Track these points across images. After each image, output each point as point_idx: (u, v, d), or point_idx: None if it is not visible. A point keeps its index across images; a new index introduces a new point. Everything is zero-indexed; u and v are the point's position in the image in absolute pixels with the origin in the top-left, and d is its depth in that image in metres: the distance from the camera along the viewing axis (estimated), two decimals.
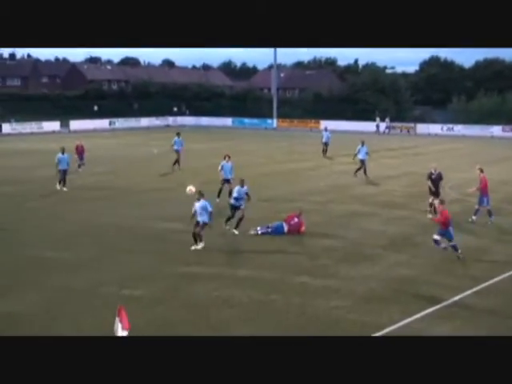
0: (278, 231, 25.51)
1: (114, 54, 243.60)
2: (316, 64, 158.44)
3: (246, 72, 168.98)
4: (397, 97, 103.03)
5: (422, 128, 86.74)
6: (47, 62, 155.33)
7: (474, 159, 51.46)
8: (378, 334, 15.27)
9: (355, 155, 42.15)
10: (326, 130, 57.27)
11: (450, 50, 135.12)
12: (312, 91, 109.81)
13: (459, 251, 22.08)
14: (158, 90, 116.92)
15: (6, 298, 17.73)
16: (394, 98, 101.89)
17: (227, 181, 31.71)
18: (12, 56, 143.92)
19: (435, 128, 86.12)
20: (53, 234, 25.43)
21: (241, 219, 25.17)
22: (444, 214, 22.27)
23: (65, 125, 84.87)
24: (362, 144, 41.88)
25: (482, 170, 28.38)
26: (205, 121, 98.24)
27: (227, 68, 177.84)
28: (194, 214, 22.96)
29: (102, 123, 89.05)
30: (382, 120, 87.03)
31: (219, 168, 31.92)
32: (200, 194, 23.00)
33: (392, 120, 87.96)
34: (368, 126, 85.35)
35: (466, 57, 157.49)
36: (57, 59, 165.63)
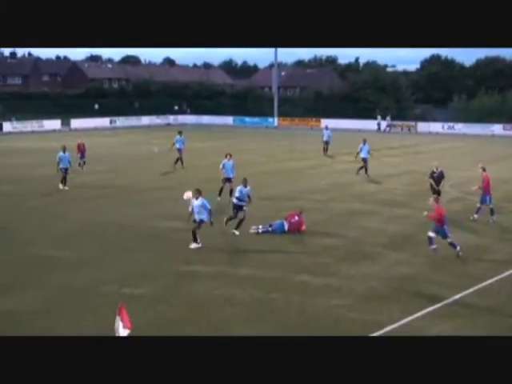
0: (278, 230, 25.52)
1: (115, 52, 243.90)
2: (317, 62, 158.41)
3: (247, 70, 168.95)
4: (397, 95, 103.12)
5: (422, 126, 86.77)
6: (48, 60, 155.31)
7: (475, 158, 51.49)
8: (378, 333, 15.28)
9: (357, 154, 42.17)
10: (326, 128, 57.30)
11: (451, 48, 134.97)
12: (313, 90, 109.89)
13: (458, 248, 22.05)
14: (158, 88, 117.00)
15: (6, 297, 17.74)
16: (394, 96, 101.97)
17: (228, 179, 31.73)
18: (13, 54, 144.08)
19: (436, 126, 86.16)
20: (53, 232, 25.45)
21: (242, 220, 25.14)
22: (439, 211, 22.24)
23: (66, 123, 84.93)
24: (364, 142, 41.91)
25: (484, 169, 28.40)
26: (206, 119, 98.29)
27: (228, 66, 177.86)
28: (192, 212, 22.96)
29: (103, 122, 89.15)
30: (383, 118, 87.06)
31: (220, 166, 31.94)
32: (198, 192, 22.97)
33: (393, 118, 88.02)
34: (369, 125, 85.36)
35: (466, 55, 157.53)
36: (58, 58, 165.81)
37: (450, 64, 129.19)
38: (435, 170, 29.88)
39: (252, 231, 25.21)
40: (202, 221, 22.85)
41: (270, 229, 25.49)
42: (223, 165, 31.80)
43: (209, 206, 22.96)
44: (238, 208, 25.39)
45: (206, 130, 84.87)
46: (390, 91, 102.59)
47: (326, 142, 55.26)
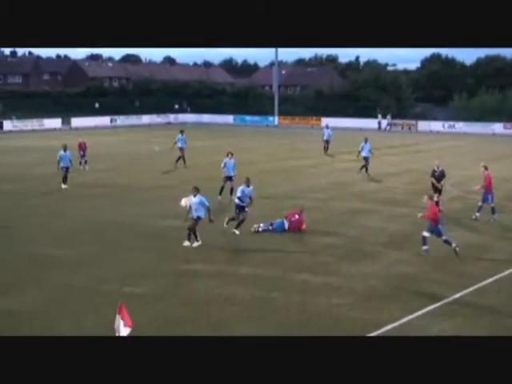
0: (278, 228, 25.52)
1: (115, 51, 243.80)
2: (317, 61, 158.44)
3: (247, 69, 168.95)
4: (398, 94, 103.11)
5: (423, 125, 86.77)
6: (48, 59, 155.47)
7: (476, 157, 51.50)
8: (378, 332, 15.27)
9: (359, 153, 42.15)
10: (327, 127, 57.29)
11: None
12: (313, 88, 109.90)
13: (453, 244, 21.99)
14: (159, 87, 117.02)
15: (7, 296, 17.73)
16: (395, 95, 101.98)
17: (229, 178, 31.77)
18: (13, 53, 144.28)
19: (436, 125, 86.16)
20: (54, 231, 25.44)
21: (242, 221, 25.07)
22: (433, 209, 22.19)
23: (66, 122, 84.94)
24: (366, 141, 41.92)
25: (486, 168, 28.42)
26: (206, 118, 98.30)
27: (228, 65, 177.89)
28: (190, 210, 22.93)
29: (104, 120, 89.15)
30: (384, 117, 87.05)
31: (222, 165, 31.99)
32: (196, 190, 22.93)
33: (393, 117, 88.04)
34: (369, 123, 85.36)
35: (467, 54, 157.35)
36: (58, 56, 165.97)
37: (450, 63, 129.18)
38: (436, 168, 29.89)
39: (253, 230, 25.20)
40: (199, 218, 22.83)
41: (270, 227, 25.49)
42: (224, 163, 31.83)
43: (207, 204, 22.95)
44: (240, 208, 25.26)
45: (207, 128, 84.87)
46: (390, 90, 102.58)
47: (327, 141, 55.25)
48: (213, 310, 16.79)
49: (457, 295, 18.15)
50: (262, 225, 25.53)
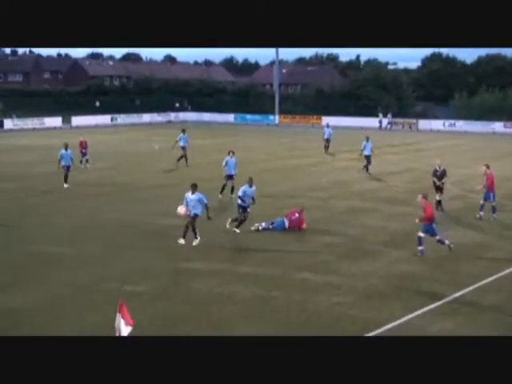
0: (279, 227, 25.53)
1: (116, 49, 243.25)
2: (318, 60, 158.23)
3: (248, 68, 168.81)
4: (399, 93, 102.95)
5: (423, 124, 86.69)
6: (49, 57, 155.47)
7: (476, 155, 51.56)
8: (379, 331, 15.28)
9: (362, 151, 42.17)
10: (327, 126, 57.26)
11: None
12: (314, 87, 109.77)
13: (447, 242, 21.86)
14: (159, 85, 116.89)
15: (7, 294, 17.73)
16: (395, 93, 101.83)
17: (230, 177, 31.80)
18: (14, 52, 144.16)
19: (437, 124, 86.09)
20: (54, 230, 25.45)
21: (243, 220, 25.05)
22: (428, 209, 22.12)
23: (67, 121, 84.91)
24: (367, 140, 41.98)
25: (488, 166, 28.44)
26: (207, 117, 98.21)
27: (229, 64, 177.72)
28: (187, 207, 22.86)
29: (104, 119, 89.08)
30: (384, 116, 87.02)
31: (223, 164, 32.03)
32: (194, 187, 22.88)
33: (394, 116, 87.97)
34: (370, 122, 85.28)
35: (467, 53, 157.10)
36: (59, 55, 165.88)
37: (451, 61, 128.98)
38: (438, 168, 29.91)
39: (253, 229, 25.20)
40: (196, 215, 22.78)
41: (270, 226, 25.50)
42: (226, 162, 31.88)
43: (205, 201, 22.90)
44: (243, 209, 25.18)
45: (207, 127, 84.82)
46: (391, 89, 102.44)
47: (327, 140, 55.22)
48: (213, 308, 16.79)
49: (457, 294, 18.16)
50: (263, 224, 25.53)
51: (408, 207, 30.30)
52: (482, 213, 28.03)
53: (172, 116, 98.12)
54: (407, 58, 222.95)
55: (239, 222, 25.02)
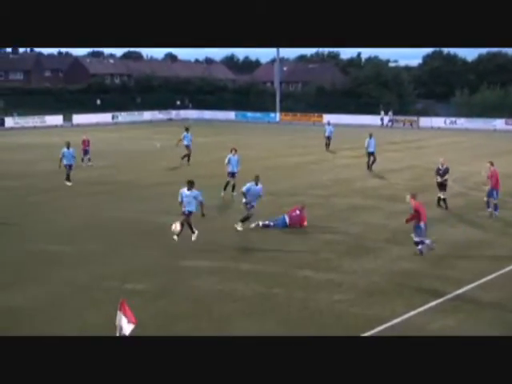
0: (280, 224, 25.51)
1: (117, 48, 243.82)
2: (319, 57, 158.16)
3: (249, 66, 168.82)
4: (400, 90, 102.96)
5: (424, 121, 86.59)
6: (50, 55, 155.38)
7: (477, 153, 51.52)
8: (380, 328, 15.26)
9: (367, 149, 42.22)
10: (328, 124, 57.24)
11: None
12: (315, 85, 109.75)
13: (427, 241, 21.71)
14: (160, 83, 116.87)
15: (7, 293, 17.71)
16: (396, 91, 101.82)
17: (233, 174, 31.79)
18: (15, 50, 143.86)
19: (438, 121, 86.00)
20: (55, 228, 25.43)
21: (247, 217, 24.96)
22: (420, 208, 21.93)
23: (68, 119, 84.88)
24: (370, 137, 42.05)
25: (492, 163, 28.40)
26: (208, 114, 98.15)
27: (230, 62, 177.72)
28: (181, 203, 22.77)
29: (105, 117, 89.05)
30: (386, 113, 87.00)
31: (226, 161, 32.02)
32: (190, 184, 22.78)
33: (395, 113, 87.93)
34: (371, 120, 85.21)
35: (469, 50, 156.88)
36: (59, 53, 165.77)
37: (452, 59, 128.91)
38: (440, 166, 29.85)
39: (253, 225, 25.16)
40: (190, 212, 22.67)
41: (271, 223, 25.46)
42: (229, 159, 31.89)
43: (201, 198, 22.79)
44: (245, 205, 25.04)
45: (208, 125, 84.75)
46: (392, 86, 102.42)
47: (328, 138, 55.18)
48: (214, 306, 16.77)
49: (459, 291, 18.14)
50: (267, 222, 25.47)
51: (409, 205, 30.22)
52: (489, 210, 27.97)
53: (173, 114, 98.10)
54: (408, 55, 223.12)
55: (244, 219, 24.79)
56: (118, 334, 11.75)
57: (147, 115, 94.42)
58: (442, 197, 29.46)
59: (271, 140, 65.23)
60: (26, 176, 38.77)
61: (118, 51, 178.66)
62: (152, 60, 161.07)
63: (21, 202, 30.59)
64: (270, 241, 23.58)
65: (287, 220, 25.63)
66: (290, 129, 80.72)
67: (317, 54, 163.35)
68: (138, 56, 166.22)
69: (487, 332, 14.76)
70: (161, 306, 16.75)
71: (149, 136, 66.81)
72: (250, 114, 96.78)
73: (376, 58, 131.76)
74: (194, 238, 22.73)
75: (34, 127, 79.58)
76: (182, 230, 22.61)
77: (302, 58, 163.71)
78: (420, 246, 21.83)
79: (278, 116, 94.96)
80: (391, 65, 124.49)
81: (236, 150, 32.19)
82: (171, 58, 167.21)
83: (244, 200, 25.02)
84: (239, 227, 24.78)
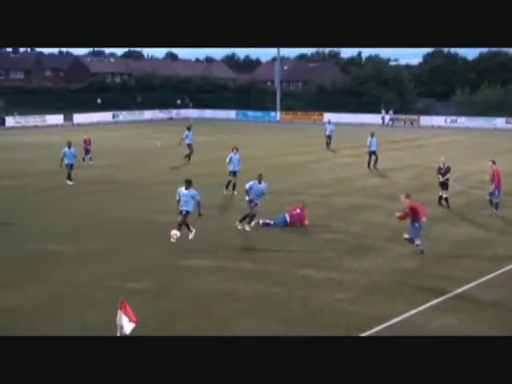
0: (280, 223, 25.50)
1: None
2: (319, 56, 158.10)
3: (250, 65, 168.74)
4: (400, 89, 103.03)
5: (425, 120, 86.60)
6: (50, 55, 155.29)
7: (478, 151, 51.51)
8: (381, 327, 15.25)
9: (369, 148, 42.23)
10: (329, 122, 57.21)
11: None
12: (315, 84, 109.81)
13: (417, 242, 21.68)
14: (161, 82, 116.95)
15: (7, 293, 17.69)
16: (397, 90, 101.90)
17: (234, 173, 31.79)
18: (15, 49, 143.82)
19: (439, 120, 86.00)
20: (55, 227, 25.42)
21: (247, 216, 24.92)
22: (412, 207, 21.86)
23: (68, 118, 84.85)
24: (372, 136, 42.06)
25: (494, 162, 28.38)
26: (208, 113, 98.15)
27: (230, 61, 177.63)
28: (179, 202, 22.71)
29: (106, 116, 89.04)
30: (386, 112, 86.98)
31: (227, 160, 32.03)
32: (188, 183, 22.72)
33: (395, 112, 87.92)
34: (371, 119, 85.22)
35: (469, 49, 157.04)
36: (60, 52, 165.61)
37: (452, 57, 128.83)
38: (442, 165, 29.83)
39: (253, 223, 25.12)
40: (187, 212, 22.61)
41: (271, 222, 25.45)
42: (230, 158, 31.89)
43: (198, 198, 22.71)
44: (248, 202, 24.97)
45: (209, 124, 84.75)
46: (392, 85, 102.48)
47: (329, 137, 55.15)
48: (214, 305, 16.77)
49: (459, 290, 18.12)
50: (267, 220, 25.45)
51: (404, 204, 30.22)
52: (496, 211, 27.88)
53: (173, 113, 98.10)
54: (409, 54, 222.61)
55: (244, 217, 24.71)
56: (118, 334, 11.76)
57: (148, 114, 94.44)
58: (444, 196, 29.46)
59: (272, 139, 65.20)
60: (26, 175, 38.76)
61: (119, 50, 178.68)
62: (152, 59, 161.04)
63: (21, 202, 30.59)
64: (270, 240, 23.57)
65: (288, 219, 25.63)
66: (290, 128, 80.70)
67: (317, 52, 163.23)
68: (139, 55, 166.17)
69: (487, 331, 14.77)
70: (161, 305, 16.74)
71: (149, 135, 66.82)
72: (250, 112, 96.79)
73: (376, 56, 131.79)
74: (191, 236, 22.69)
75: (35, 126, 79.58)
76: (180, 230, 22.57)
77: (302, 56, 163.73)
78: (419, 245, 21.81)
79: (278, 115, 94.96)
80: (392, 63, 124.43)
81: (237, 149, 32.20)
82: (172, 57, 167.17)
83: (247, 198, 24.96)
84: (247, 227, 24.54)
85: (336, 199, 31.66)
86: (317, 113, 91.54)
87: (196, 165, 42.36)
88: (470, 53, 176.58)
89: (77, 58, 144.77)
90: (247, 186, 24.95)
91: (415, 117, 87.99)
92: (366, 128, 56.15)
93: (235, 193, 31.04)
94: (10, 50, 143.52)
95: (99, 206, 29.37)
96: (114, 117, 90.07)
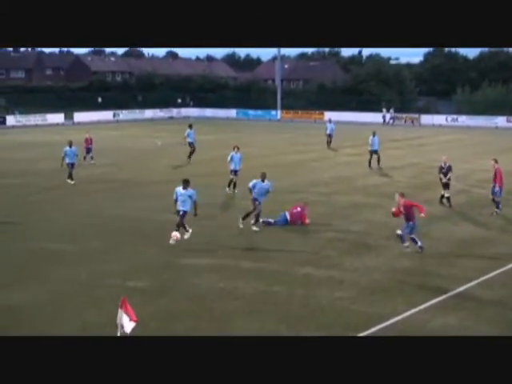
0: (281, 221, 25.49)
1: None
2: (320, 55, 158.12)
3: (250, 63, 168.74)
4: (401, 88, 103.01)
5: (426, 119, 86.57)
6: (51, 54, 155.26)
7: (479, 150, 51.49)
8: (382, 326, 15.23)
9: (371, 146, 42.22)
10: (330, 121, 57.18)
11: None
12: (316, 82, 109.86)
13: (406, 244, 21.63)
14: (161, 81, 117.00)
15: (7, 291, 17.68)
16: (398, 88, 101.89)
17: (235, 172, 31.81)
18: (16, 48, 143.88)
19: (439, 119, 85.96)
20: (56, 226, 25.42)
21: (250, 213, 24.85)
22: (406, 205, 21.80)
23: (69, 117, 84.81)
24: (374, 135, 42.06)
25: (496, 161, 28.35)
26: (209, 112, 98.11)
27: (231, 59, 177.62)
28: (176, 201, 22.64)
29: (106, 115, 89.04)
30: (387, 111, 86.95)
31: (228, 159, 32.06)
32: (186, 182, 22.63)
33: (396, 111, 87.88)
34: (372, 117, 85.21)
35: (470, 48, 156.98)
36: (61, 51, 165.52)
37: (453, 56, 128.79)
38: (443, 165, 29.79)
39: (253, 222, 25.08)
40: (185, 212, 22.51)
41: (272, 221, 25.43)
42: (231, 157, 31.92)
43: (195, 197, 22.60)
44: (253, 200, 24.88)
45: (209, 122, 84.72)
46: (393, 84, 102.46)
47: (329, 135, 55.13)
48: (215, 304, 16.75)
49: (460, 289, 18.11)
50: (268, 219, 25.42)
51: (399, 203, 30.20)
52: (497, 210, 27.86)
53: (174, 112, 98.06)
54: (409, 53, 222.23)
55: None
56: (119, 333, 11.74)
57: (148, 113, 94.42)
58: (445, 195, 29.43)
59: (272, 138, 65.18)
60: (27, 174, 38.76)
61: (119, 49, 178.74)
62: (153, 58, 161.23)
63: (22, 201, 30.59)
64: (270, 238, 23.55)
65: (288, 217, 25.61)
66: (291, 126, 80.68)
67: (318, 51, 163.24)
68: (139, 54, 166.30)
69: (488, 330, 14.76)
70: (161, 304, 16.73)
71: (150, 134, 66.82)
72: (251, 111, 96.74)
73: (377, 55, 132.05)
74: (186, 236, 22.52)
75: (36, 125, 79.58)
76: (178, 230, 22.51)
77: (302, 55, 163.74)
78: (419, 243, 21.77)
79: (279, 114, 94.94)
80: (392, 62, 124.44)
81: (238, 148, 32.23)
82: (172, 55, 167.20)
83: (252, 196, 24.84)
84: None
85: (337, 198, 31.65)
86: (317, 111, 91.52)
87: (197, 164, 42.35)
88: (471, 51, 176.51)
89: (77, 57, 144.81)
90: (250, 184, 24.91)
91: (416, 115, 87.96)
92: (366, 127, 56.13)
93: (236, 191, 31.03)
94: (10, 48, 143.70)
95: (100, 205, 29.36)
96: (114, 116, 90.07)
